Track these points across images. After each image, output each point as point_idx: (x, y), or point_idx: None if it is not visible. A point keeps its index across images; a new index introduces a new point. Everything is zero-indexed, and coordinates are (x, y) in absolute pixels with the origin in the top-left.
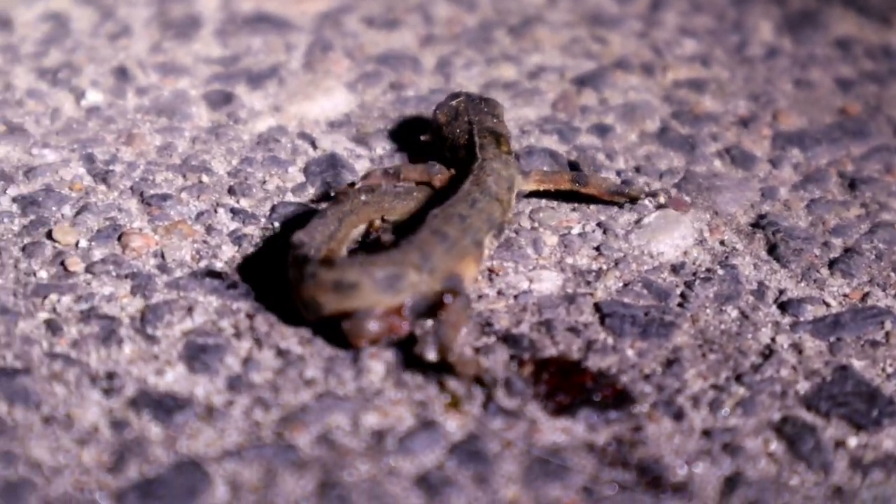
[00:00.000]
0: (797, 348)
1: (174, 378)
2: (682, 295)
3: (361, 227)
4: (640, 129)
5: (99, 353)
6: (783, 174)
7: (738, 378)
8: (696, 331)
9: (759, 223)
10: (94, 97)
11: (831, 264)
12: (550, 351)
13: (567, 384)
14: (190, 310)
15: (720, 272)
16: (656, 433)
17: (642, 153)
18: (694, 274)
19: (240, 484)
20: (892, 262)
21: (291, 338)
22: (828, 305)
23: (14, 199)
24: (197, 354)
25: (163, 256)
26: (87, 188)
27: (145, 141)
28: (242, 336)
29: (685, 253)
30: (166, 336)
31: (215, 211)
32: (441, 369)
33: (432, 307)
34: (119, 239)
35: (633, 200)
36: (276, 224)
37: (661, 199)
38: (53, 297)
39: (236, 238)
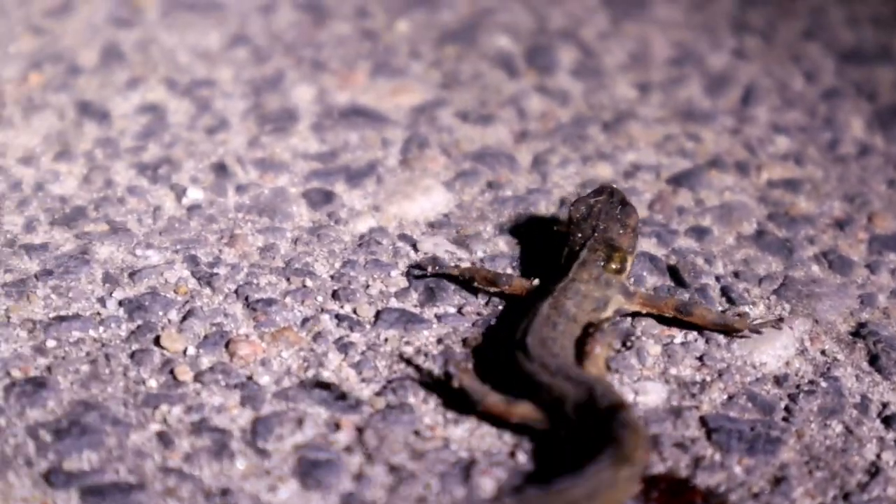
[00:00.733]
0: None
1: (288, 495)
2: (787, 408)
3: None
4: (737, 232)
5: (212, 468)
6: (881, 280)
7: (846, 497)
8: (802, 447)
9: (859, 332)
10: (194, 195)
11: None
12: (659, 468)
13: (677, 503)
14: (300, 422)
15: (823, 384)
16: None
17: (740, 257)
18: (797, 386)
19: None
20: None
21: (402, 452)
22: None
23: (120, 303)
24: (309, 470)
25: (270, 365)
26: (191, 291)
27: (247, 242)
28: (353, 451)
29: (787, 364)
30: (277, 450)
31: (320, 317)
32: None
33: None
34: (226, 346)
35: (737, 332)
36: (382, 331)
37: (763, 332)
38: (164, 407)
39: (342, 346)
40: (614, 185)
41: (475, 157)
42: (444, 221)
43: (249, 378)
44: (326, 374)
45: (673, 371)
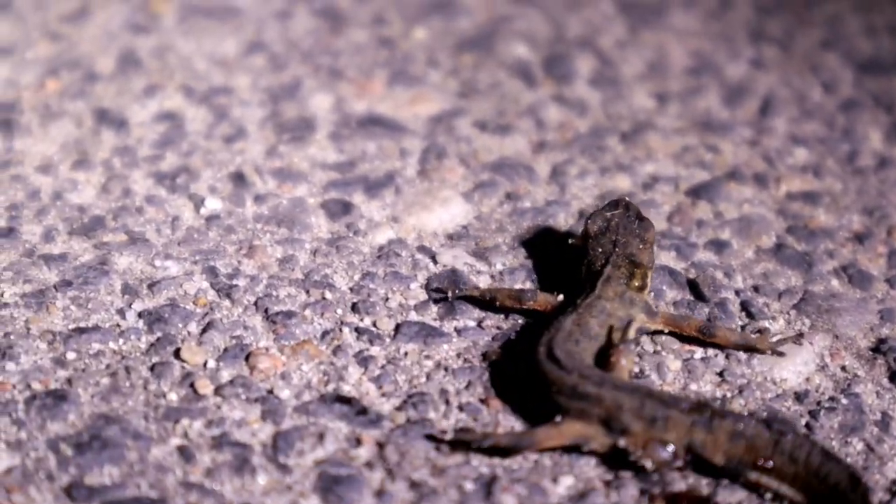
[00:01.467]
0: None
1: None
2: (808, 425)
3: None
4: (756, 245)
5: (233, 483)
6: None
7: None
8: None
9: (879, 348)
10: (213, 205)
11: None
12: (680, 485)
13: None
14: (321, 437)
15: (843, 401)
16: None
17: (759, 271)
18: (818, 403)
19: None
20: None
21: (423, 468)
22: None
23: (140, 315)
24: (330, 486)
25: (290, 379)
26: (211, 303)
27: (266, 253)
28: (374, 466)
29: (807, 380)
30: (298, 465)
31: (340, 330)
32: None
33: None
34: (246, 359)
35: (759, 352)
36: (402, 345)
37: (785, 353)
38: (185, 421)
39: (362, 359)
40: (628, 199)
41: (494, 167)
42: (462, 233)
43: (270, 392)
44: (347, 388)
45: (693, 387)
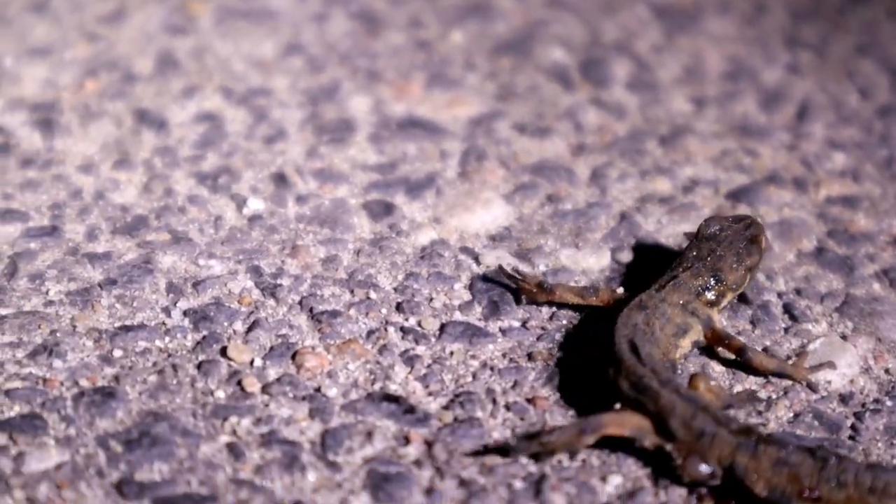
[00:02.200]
0: None
1: None
2: (853, 427)
3: None
4: (797, 249)
5: (283, 481)
6: None
7: None
8: None
9: None
10: (255, 205)
11: None
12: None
13: None
14: (369, 435)
15: (888, 403)
16: None
17: (801, 274)
18: (863, 405)
19: None
20: None
21: (472, 467)
22: None
23: (185, 313)
24: (380, 483)
25: (337, 377)
26: (255, 302)
27: (310, 253)
28: (423, 464)
29: (852, 382)
30: (348, 463)
31: (385, 329)
32: None
33: None
34: (293, 358)
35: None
36: (447, 344)
37: (821, 382)
38: (233, 419)
39: (408, 359)
40: (758, 220)
41: (534, 169)
42: (505, 234)
43: (317, 390)
44: (393, 387)
45: (738, 388)
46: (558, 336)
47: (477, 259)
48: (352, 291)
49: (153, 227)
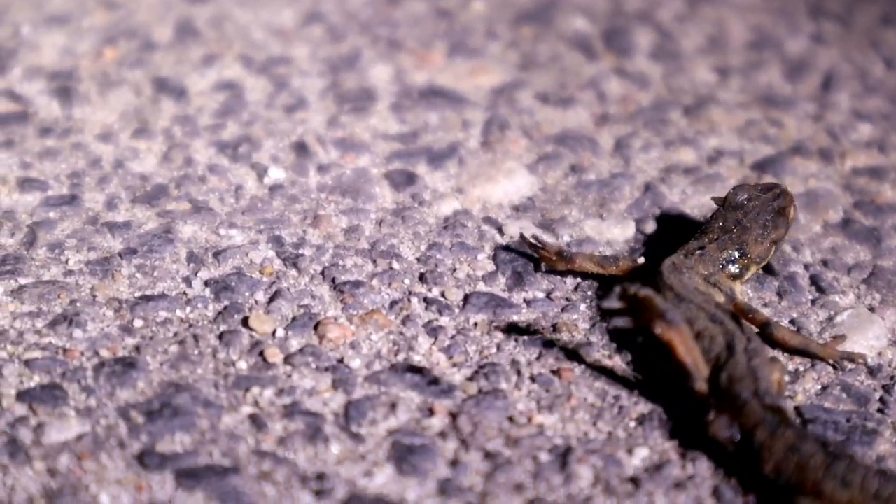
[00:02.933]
0: None
1: (384, 480)
2: (881, 400)
3: None
4: (823, 220)
5: (306, 452)
6: None
7: None
8: None
9: None
10: (276, 174)
11: None
12: None
13: None
14: (393, 406)
15: None
16: None
17: (828, 245)
18: (891, 378)
19: None
20: None
21: (496, 438)
22: None
23: (206, 283)
24: (404, 455)
25: (360, 348)
26: (277, 272)
27: (331, 223)
28: (447, 436)
29: (880, 354)
30: (371, 434)
31: (408, 300)
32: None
33: None
34: (315, 328)
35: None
36: (471, 315)
37: (850, 366)
38: (255, 390)
39: (431, 329)
40: (788, 191)
41: (557, 139)
42: (528, 205)
43: (340, 361)
44: (417, 358)
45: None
46: (583, 307)
47: (500, 229)
48: (374, 262)
49: (173, 196)
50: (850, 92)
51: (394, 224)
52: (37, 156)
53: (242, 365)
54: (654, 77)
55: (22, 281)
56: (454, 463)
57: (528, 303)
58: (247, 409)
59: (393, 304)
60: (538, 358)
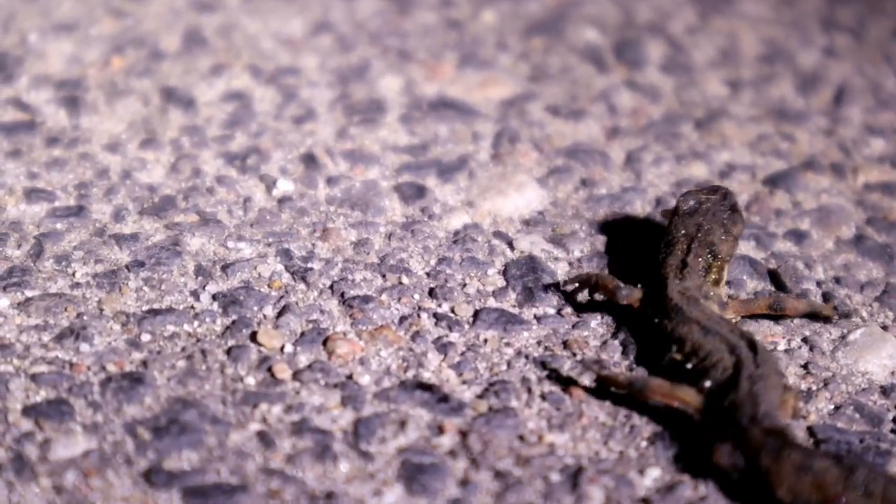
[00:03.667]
0: None
1: (394, 500)
2: (895, 420)
3: None
4: (836, 236)
5: (315, 470)
6: None
7: None
8: None
9: None
10: (285, 186)
11: None
12: None
13: None
14: (402, 424)
15: None
16: None
17: (840, 262)
18: None
19: None
20: None
21: (507, 458)
22: None
23: (214, 297)
24: (414, 474)
25: (369, 364)
26: (286, 286)
27: (340, 236)
28: (457, 455)
29: (892, 373)
30: (381, 453)
31: (418, 315)
32: None
33: None
34: (324, 344)
35: (827, 320)
36: (481, 331)
37: (853, 317)
38: (264, 406)
39: (441, 346)
40: (730, 189)
41: (567, 153)
42: (539, 219)
43: (349, 377)
44: (427, 375)
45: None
46: (594, 324)
47: (511, 244)
48: (384, 276)
49: (181, 208)
50: (862, 106)
51: (403, 238)
52: (44, 166)
53: (251, 381)
54: (665, 90)
55: (28, 293)
56: (464, 482)
57: (538, 319)
58: (255, 426)
59: (402, 319)
60: (549, 376)
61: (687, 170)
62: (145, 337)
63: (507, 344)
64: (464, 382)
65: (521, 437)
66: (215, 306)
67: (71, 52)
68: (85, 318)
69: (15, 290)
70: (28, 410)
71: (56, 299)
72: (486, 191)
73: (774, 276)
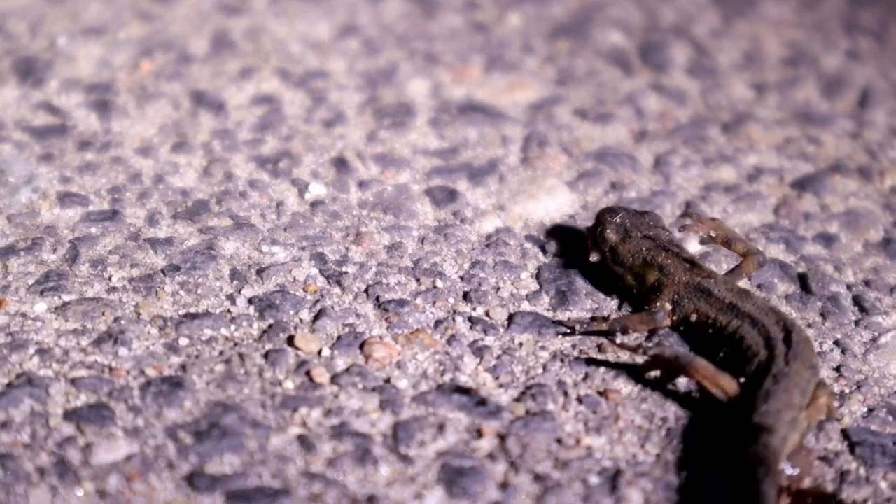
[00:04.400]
0: None
1: (435, 503)
2: None
3: None
4: (864, 239)
5: (356, 474)
6: None
7: None
8: None
9: None
10: (317, 190)
11: None
12: (805, 482)
13: None
14: (441, 428)
15: None
16: None
17: (870, 265)
18: None
19: None
20: None
21: (546, 461)
22: None
23: (250, 301)
24: (454, 478)
25: (406, 368)
26: (321, 290)
27: (374, 240)
28: (496, 458)
29: None
30: (420, 456)
31: (453, 319)
32: None
33: None
34: (361, 348)
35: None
36: (516, 335)
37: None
38: (303, 410)
39: (477, 349)
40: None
41: (596, 156)
42: (570, 223)
43: (387, 381)
44: (463, 379)
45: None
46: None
47: (543, 248)
48: (418, 280)
49: (214, 211)
50: (886, 109)
51: (436, 241)
52: (76, 170)
53: (289, 385)
54: (691, 93)
55: (66, 298)
56: (504, 485)
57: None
58: (295, 430)
59: (437, 323)
60: (584, 379)
61: (715, 173)
62: (183, 341)
63: (542, 347)
64: (500, 386)
65: (559, 440)
66: (251, 310)
67: (100, 55)
68: (122, 322)
69: (52, 294)
70: (69, 415)
71: (93, 304)
72: (516, 194)
73: (804, 280)
